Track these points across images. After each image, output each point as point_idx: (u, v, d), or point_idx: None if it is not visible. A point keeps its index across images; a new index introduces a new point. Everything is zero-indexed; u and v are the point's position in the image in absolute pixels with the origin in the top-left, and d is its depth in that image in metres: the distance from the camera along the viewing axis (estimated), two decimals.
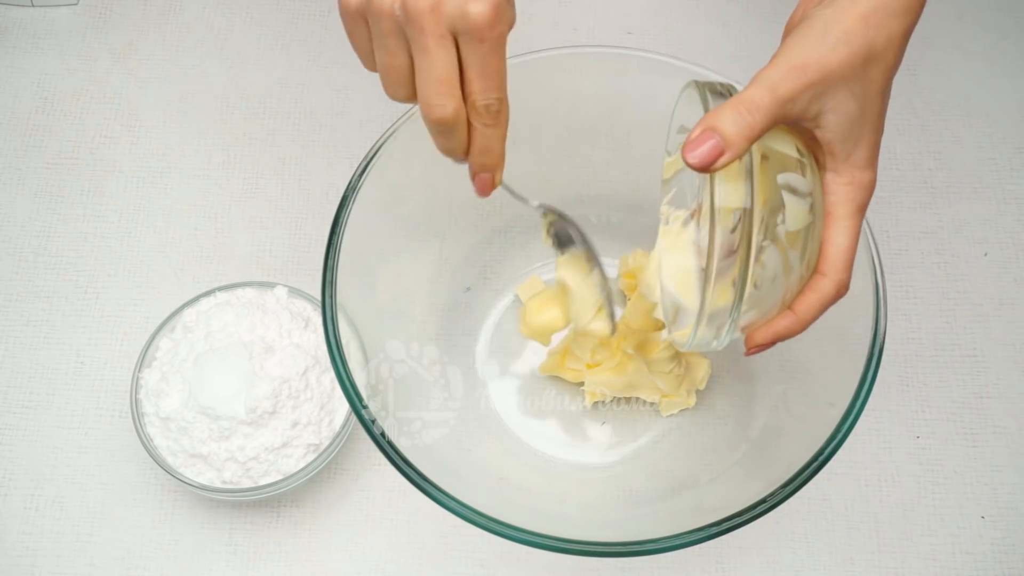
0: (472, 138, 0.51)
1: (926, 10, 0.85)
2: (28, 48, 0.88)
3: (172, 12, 0.90)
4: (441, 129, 0.50)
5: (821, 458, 0.58)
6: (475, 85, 0.49)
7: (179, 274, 0.79)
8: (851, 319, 0.63)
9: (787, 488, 0.58)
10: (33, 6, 0.89)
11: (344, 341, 0.60)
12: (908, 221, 0.81)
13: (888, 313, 0.61)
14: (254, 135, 0.85)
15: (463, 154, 0.52)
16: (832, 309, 0.65)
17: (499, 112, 0.50)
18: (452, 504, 0.57)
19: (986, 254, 0.80)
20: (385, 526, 0.70)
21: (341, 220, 0.64)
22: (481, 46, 0.47)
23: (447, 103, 0.49)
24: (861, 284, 0.63)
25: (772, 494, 0.58)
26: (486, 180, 0.53)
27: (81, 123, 0.85)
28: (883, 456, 0.74)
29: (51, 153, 0.84)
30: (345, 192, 0.65)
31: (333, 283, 0.61)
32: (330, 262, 0.62)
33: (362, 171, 0.65)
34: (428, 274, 0.74)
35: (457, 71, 0.48)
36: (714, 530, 0.57)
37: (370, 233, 0.66)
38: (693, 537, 0.57)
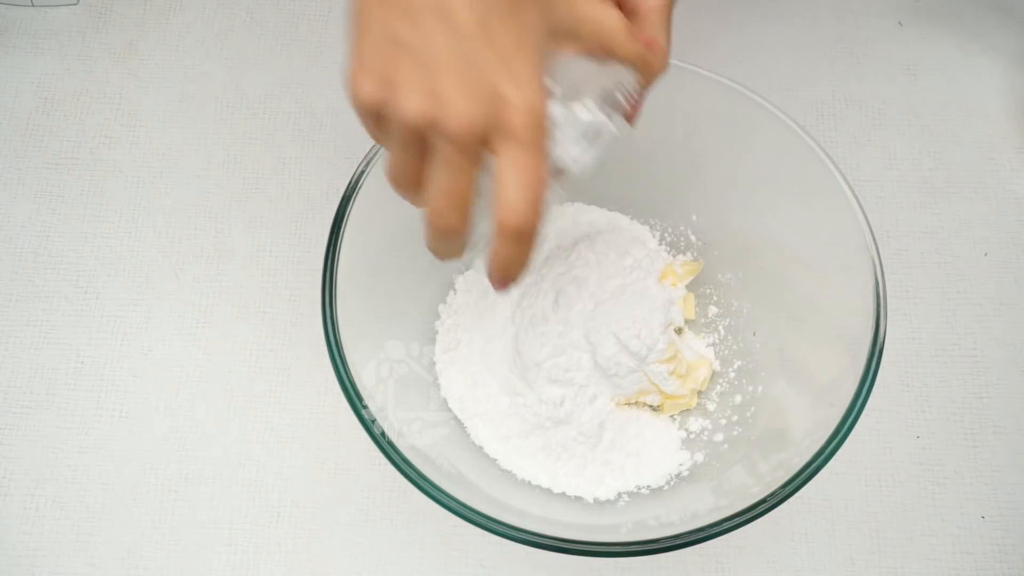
0: (495, 251, 0.47)
1: (926, 9, 0.85)
2: (28, 48, 0.88)
3: (172, 12, 0.90)
4: (441, 238, 0.48)
5: (821, 458, 0.58)
6: (507, 198, 0.44)
7: (179, 274, 0.79)
8: (851, 319, 0.63)
9: (787, 488, 0.58)
10: (33, 6, 0.89)
11: (344, 341, 0.60)
12: (908, 221, 0.80)
13: (888, 313, 0.60)
14: (254, 135, 0.85)
15: (459, 256, 0.50)
16: (832, 309, 0.66)
17: (528, 235, 0.45)
18: (452, 504, 0.57)
19: (986, 254, 0.80)
20: (385, 526, 0.70)
21: (341, 220, 0.63)
22: (520, 157, 0.44)
23: (456, 218, 0.47)
24: (861, 284, 0.63)
25: (772, 494, 0.58)
26: (502, 283, 0.49)
27: (81, 123, 0.85)
28: (883, 456, 0.73)
29: (51, 153, 0.84)
30: (345, 192, 0.65)
31: (333, 283, 0.61)
32: (330, 262, 0.62)
33: (362, 171, 0.65)
34: (428, 274, 0.73)
35: (473, 185, 0.46)
36: (714, 530, 0.57)
37: (370, 233, 0.66)
38: (693, 537, 0.57)
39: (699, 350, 0.74)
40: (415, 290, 0.72)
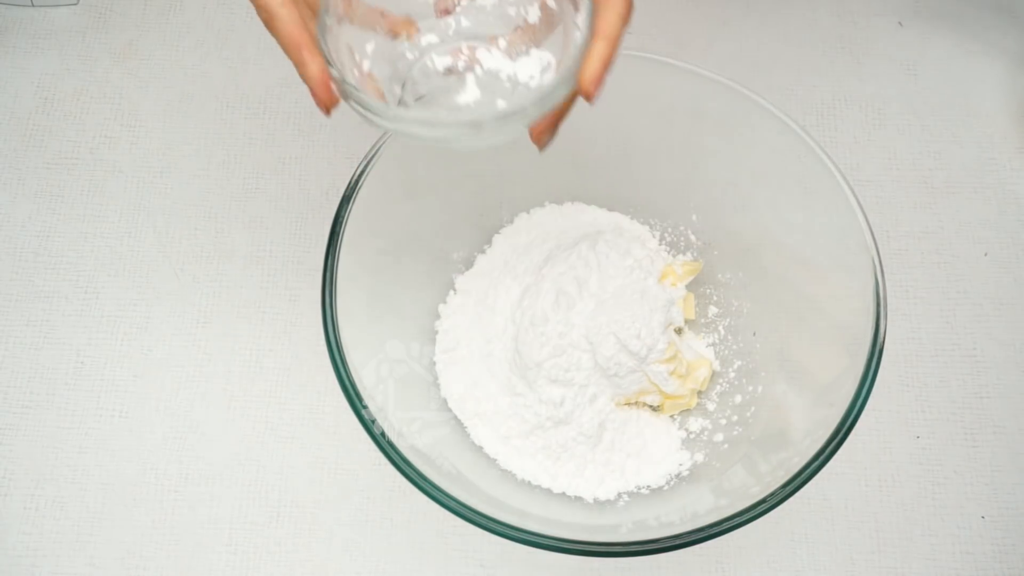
0: None
1: (926, 9, 0.85)
2: (28, 48, 0.88)
3: (172, 12, 0.89)
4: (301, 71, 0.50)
5: (821, 458, 0.58)
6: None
7: (179, 274, 0.79)
8: (851, 319, 0.62)
9: (787, 488, 0.57)
10: (33, 6, 0.89)
11: (344, 341, 0.60)
12: (908, 221, 0.80)
13: (888, 313, 0.60)
14: (254, 135, 0.85)
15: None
16: (832, 308, 0.65)
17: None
18: (452, 504, 0.57)
19: (986, 254, 0.79)
20: (385, 526, 0.70)
21: (341, 220, 0.63)
22: None
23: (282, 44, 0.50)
24: (861, 284, 0.62)
25: (772, 494, 0.57)
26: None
27: (81, 123, 0.85)
28: (883, 456, 0.72)
29: (51, 153, 0.84)
30: (345, 192, 0.64)
31: (333, 283, 0.61)
32: (330, 262, 0.62)
33: (362, 171, 0.65)
34: (429, 273, 0.73)
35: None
36: (714, 530, 0.57)
37: (370, 233, 0.66)
38: (693, 537, 0.57)
39: (699, 350, 0.74)
40: (415, 290, 0.72)
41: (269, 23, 0.49)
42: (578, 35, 0.48)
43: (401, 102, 0.52)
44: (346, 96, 0.48)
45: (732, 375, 0.71)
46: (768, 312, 0.71)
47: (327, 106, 0.49)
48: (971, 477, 0.71)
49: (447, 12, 0.53)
